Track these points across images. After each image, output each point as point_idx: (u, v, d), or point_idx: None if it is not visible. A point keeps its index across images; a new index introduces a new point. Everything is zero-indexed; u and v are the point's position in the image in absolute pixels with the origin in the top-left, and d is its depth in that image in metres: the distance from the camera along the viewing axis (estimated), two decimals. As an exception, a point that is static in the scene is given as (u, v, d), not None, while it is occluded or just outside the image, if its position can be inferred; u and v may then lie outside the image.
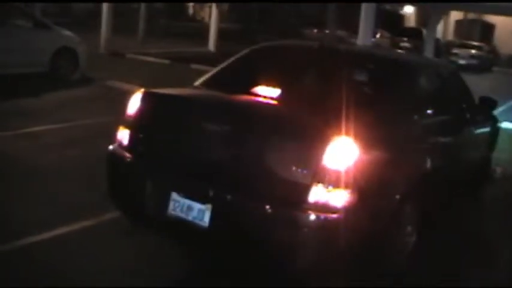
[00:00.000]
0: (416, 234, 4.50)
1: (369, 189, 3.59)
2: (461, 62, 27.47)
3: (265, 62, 5.01)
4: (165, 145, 4.13)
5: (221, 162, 3.82)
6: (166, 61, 17.39)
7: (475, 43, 31.33)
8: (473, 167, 6.36)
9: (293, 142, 3.60)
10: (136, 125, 4.16)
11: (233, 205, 3.64)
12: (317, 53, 5.03)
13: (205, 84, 4.70)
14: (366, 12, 12.42)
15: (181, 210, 3.76)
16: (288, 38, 21.53)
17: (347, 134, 3.49)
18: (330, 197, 3.42)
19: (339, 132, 3.49)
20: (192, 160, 3.93)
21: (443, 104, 5.33)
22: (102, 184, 4.35)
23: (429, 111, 4.96)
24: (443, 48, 30.52)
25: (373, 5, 12.54)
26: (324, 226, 3.43)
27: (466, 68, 24.29)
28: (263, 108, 4.16)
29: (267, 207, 3.50)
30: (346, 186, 3.42)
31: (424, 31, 26.31)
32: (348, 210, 3.43)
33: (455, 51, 29.58)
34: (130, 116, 4.19)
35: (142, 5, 24.31)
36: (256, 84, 4.33)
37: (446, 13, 31.89)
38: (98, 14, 19.88)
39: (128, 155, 4.13)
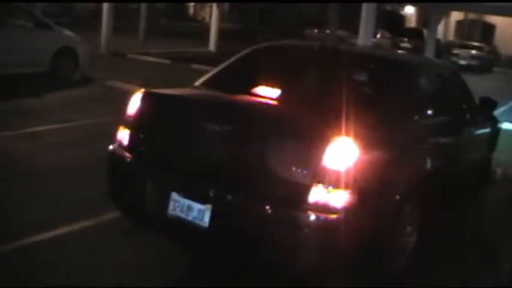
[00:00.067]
0: (416, 235, 4.50)
1: (369, 189, 3.59)
2: (462, 62, 27.46)
3: (266, 62, 5.01)
4: (165, 145, 4.13)
5: (221, 163, 3.82)
6: (167, 61, 17.39)
7: (476, 44, 31.34)
8: (473, 168, 6.36)
9: (293, 142, 3.60)
10: (136, 125, 4.16)
11: (233, 205, 3.64)
12: (318, 53, 5.03)
13: (205, 84, 4.71)
14: (367, 13, 12.41)
15: (181, 210, 3.76)
16: (288, 38, 21.56)
17: (347, 134, 3.50)
18: (330, 197, 3.42)
19: (339, 133, 3.49)
20: (192, 160, 3.94)
21: (443, 105, 5.33)
22: (102, 184, 4.35)
23: (429, 112, 4.96)
24: (443, 49, 30.52)
25: (373, 6, 12.53)
26: (323, 226, 3.43)
27: (467, 69, 24.29)
28: (263, 108, 4.16)
29: (267, 207, 3.50)
30: (346, 187, 3.42)
31: (425, 31, 26.30)
32: (347, 210, 3.43)
33: (455, 51, 29.57)
34: (130, 116, 4.19)
35: (143, 5, 24.30)
36: (257, 85, 4.33)
37: (446, 13, 31.87)
38: (99, 14, 19.87)
39: (128, 155, 4.13)
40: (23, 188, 5.52)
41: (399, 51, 20.24)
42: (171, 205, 3.80)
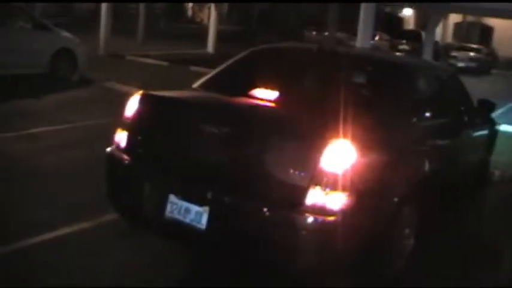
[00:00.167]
0: (414, 237, 4.50)
1: (366, 192, 3.59)
2: (460, 64, 27.48)
3: (264, 64, 5.01)
4: (163, 147, 4.13)
5: (219, 165, 3.82)
6: (165, 63, 17.40)
7: (474, 46, 31.36)
8: (471, 170, 6.36)
9: (291, 144, 3.60)
10: (134, 127, 4.16)
11: (230, 207, 3.64)
12: (316, 55, 5.04)
13: (203, 86, 4.71)
14: (365, 15, 12.44)
15: (179, 213, 3.75)
16: (287, 40, 21.58)
17: (345, 136, 3.49)
18: (328, 199, 3.42)
19: (336, 135, 3.49)
20: (189, 162, 3.94)
21: (441, 107, 5.33)
22: (101, 185, 4.35)
23: (427, 114, 4.96)
24: (442, 51, 30.56)
25: (372, 8, 12.55)
26: (321, 229, 3.43)
27: (465, 71, 24.30)
28: (261, 110, 4.16)
29: (265, 209, 3.50)
30: (344, 189, 3.42)
31: (423, 34, 26.35)
32: (345, 213, 3.43)
33: (454, 53, 29.60)
34: (128, 118, 4.19)
35: (142, 7, 24.32)
36: (255, 87, 4.33)
37: (445, 16, 31.90)
38: (98, 15, 19.87)
39: (125, 157, 4.13)
40: (22, 189, 5.52)
41: (397, 54, 20.24)
42: (169, 207, 3.79)
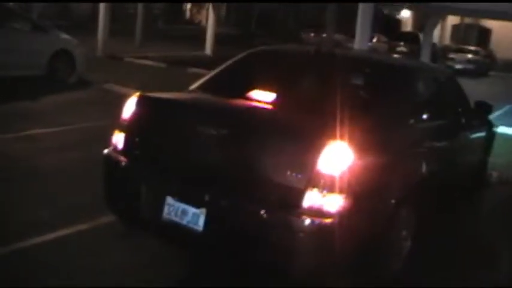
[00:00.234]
0: (411, 239, 4.50)
1: (364, 194, 3.59)
2: (458, 66, 27.51)
3: (262, 67, 5.00)
4: (160, 149, 4.13)
5: (216, 167, 3.82)
6: (163, 65, 17.40)
7: (472, 48, 31.37)
8: (469, 172, 6.36)
9: (288, 147, 3.60)
10: (131, 128, 4.16)
11: (227, 209, 3.65)
12: (313, 57, 5.04)
13: (200, 88, 4.71)
14: (363, 16, 12.44)
15: (176, 215, 3.76)
16: (285, 42, 21.59)
17: (342, 138, 3.49)
18: (325, 201, 3.42)
19: (333, 137, 3.49)
20: (186, 164, 3.94)
21: (439, 109, 5.34)
22: (99, 187, 4.34)
23: (425, 116, 4.96)
24: (439, 53, 30.53)
25: (370, 9, 12.56)
26: (318, 231, 3.43)
27: (463, 73, 24.33)
28: (258, 112, 4.16)
29: (262, 211, 3.50)
30: (341, 191, 3.42)
31: (421, 35, 26.34)
32: (342, 215, 3.43)
33: (451, 55, 29.60)
34: (125, 120, 4.19)
35: (140, 9, 24.31)
36: (252, 89, 4.33)
37: (443, 18, 31.94)
38: (96, 16, 19.87)
39: (123, 158, 4.13)
40: (21, 190, 5.53)
41: (395, 56, 20.26)
42: (166, 209, 3.79)
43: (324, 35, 25.52)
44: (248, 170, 3.69)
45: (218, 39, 23.93)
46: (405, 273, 4.38)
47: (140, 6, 24.36)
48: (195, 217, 3.69)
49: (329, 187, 3.41)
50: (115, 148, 4.21)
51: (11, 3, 13.13)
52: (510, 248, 5.56)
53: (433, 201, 4.90)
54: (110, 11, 19.19)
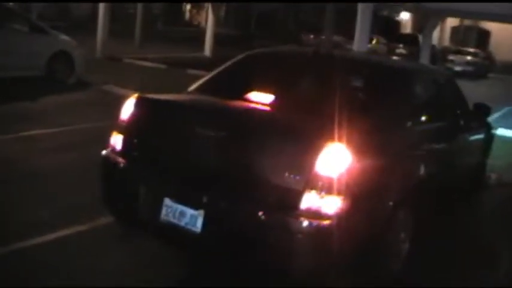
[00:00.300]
0: (410, 241, 4.50)
1: (361, 195, 3.59)
2: (457, 68, 27.56)
3: (260, 68, 5.00)
4: (158, 150, 4.13)
5: (214, 168, 3.82)
6: (163, 66, 17.40)
7: (471, 50, 31.44)
8: (467, 174, 6.36)
9: (286, 148, 3.60)
10: (129, 130, 4.16)
11: (225, 211, 3.64)
12: (312, 59, 5.04)
13: (199, 89, 4.70)
14: (362, 18, 12.48)
15: (174, 216, 3.75)
16: (285, 43, 21.60)
17: (340, 140, 3.49)
18: (323, 203, 3.41)
19: (332, 139, 3.49)
20: (185, 165, 3.94)
21: (437, 111, 5.34)
22: (98, 188, 4.34)
23: (423, 118, 4.96)
24: (439, 55, 30.58)
25: (369, 11, 12.59)
26: (316, 232, 3.43)
27: (462, 75, 24.36)
28: (256, 114, 4.16)
29: (260, 213, 3.50)
30: (339, 193, 3.42)
31: (420, 37, 26.38)
32: (340, 216, 3.42)
33: (451, 57, 29.66)
34: (123, 121, 4.19)
35: (139, 10, 24.32)
36: (250, 90, 4.33)
37: (442, 19, 31.97)
38: (95, 17, 19.87)
39: (121, 160, 4.13)
40: (20, 190, 5.53)
41: (394, 57, 20.26)
42: (164, 210, 3.79)
43: (323, 37, 25.55)
44: (246, 172, 3.68)
45: (217, 40, 23.94)
46: (405, 274, 4.38)
47: (140, 6, 24.36)
48: (193, 219, 3.68)
49: (327, 189, 3.41)
50: (113, 149, 4.21)
51: (10, 3, 13.12)
52: (509, 249, 5.56)
53: (431, 203, 4.90)
54: (110, 11, 19.17)
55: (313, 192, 3.42)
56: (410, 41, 30.50)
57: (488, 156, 7.22)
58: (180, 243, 3.93)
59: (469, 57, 29.46)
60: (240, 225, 3.60)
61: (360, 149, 3.59)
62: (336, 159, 3.44)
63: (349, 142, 3.50)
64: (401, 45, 30.66)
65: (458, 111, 5.90)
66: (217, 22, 26.09)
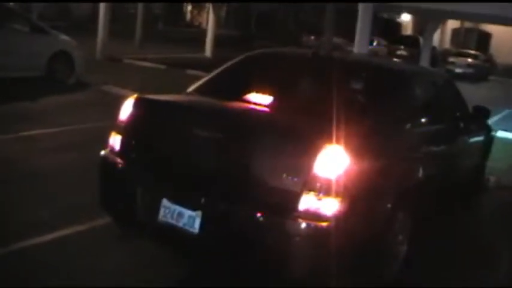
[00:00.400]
0: (408, 243, 4.50)
1: (360, 197, 3.59)
2: (458, 70, 27.56)
3: (259, 69, 5.02)
4: (156, 151, 4.13)
5: (212, 169, 3.82)
6: (163, 66, 17.40)
7: (472, 52, 31.45)
8: (466, 176, 6.36)
9: (285, 150, 3.60)
10: (128, 130, 4.16)
11: (223, 212, 3.64)
12: (311, 61, 5.05)
13: (198, 90, 4.71)
14: (363, 20, 12.47)
15: (172, 217, 3.75)
16: (285, 44, 21.60)
17: (338, 142, 3.49)
18: (321, 205, 3.41)
19: (330, 141, 3.49)
20: (183, 166, 3.94)
21: (436, 113, 5.34)
22: (97, 188, 4.34)
23: (422, 120, 4.96)
24: (439, 57, 30.62)
25: (369, 13, 12.59)
26: (314, 234, 3.43)
27: (463, 77, 24.37)
28: (255, 115, 4.16)
29: (258, 214, 3.50)
30: (337, 195, 3.42)
31: (421, 39, 26.38)
32: (338, 218, 3.43)
33: (451, 59, 29.66)
34: (122, 122, 4.19)
35: (140, 10, 24.33)
36: (249, 91, 4.34)
37: (443, 21, 31.98)
38: (96, 17, 19.88)
39: (119, 160, 4.13)
40: (20, 190, 5.53)
41: (393, 59, 20.28)
42: (162, 211, 3.79)
43: (323, 38, 25.55)
44: (244, 173, 3.69)
45: (218, 41, 23.95)
46: (405, 274, 4.38)
47: (140, 6, 24.36)
48: (191, 219, 3.68)
49: (325, 190, 3.41)
50: (112, 150, 4.21)
51: (11, 3, 13.13)
52: (509, 250, 5.56)
53: (430, 205, 4.90)
54: (110, 11, 19.16)
55: (312, 193, 3.42)
56: (411, 43, 30.51)
57: (487, 159, 7.21)
58: (178, 244, 3.93)
59: (469, 60, 29.47)
60: (237, 227, 3.60)
61: (358, 151, 3.59)
62: (334, 160, 3.45)
63: (348, 144, 3.50)
64: (402, 47, 30.67)
65: (457, 114, 5.90)
66: (218, 23, 26.09)
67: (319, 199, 3.41)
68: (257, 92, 4.33)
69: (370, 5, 12.95)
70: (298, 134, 3.72)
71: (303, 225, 3.41)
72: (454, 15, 23.16)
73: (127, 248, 4.58)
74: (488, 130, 7.00)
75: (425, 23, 21.52)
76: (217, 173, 3.80)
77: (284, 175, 3.53)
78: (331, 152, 3.46)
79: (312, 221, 3.41)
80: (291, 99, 4.46)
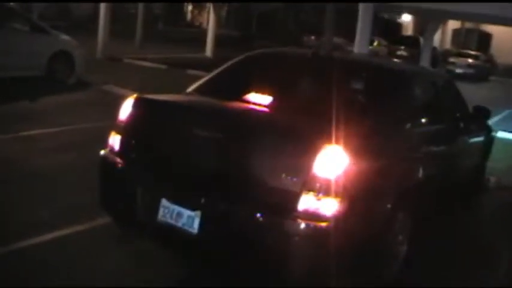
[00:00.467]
0: (408, 243, 4.49)
1: (359, 197, 3.59)
2: (458, 71, 27.56)
3: (259, 69, 5.01)
4: (156, 151, 4.13)
5: (211, 169, 3.82)
6: (163, 66, 17.40)
7: (472, 52, 31.44)
8: (466, 176, 6.36)
9: (284, 150, 3.60)
10: (127, 130, 4.16)
11: (223, 212, 3.64)
12: (310, 61, 5.05)
13: (198, 90, 4.70)
14: (363, 20, 12.47)
15: (171, 217, 3.75)
16: (286, 44, 21.59)
17: (338, 142, 3.49)
18: (320, 205, 3.41)
19: (329, 141, 3.49)
20: (182, 166, 3.94)
21: (436, 113, 5.33)
22: (96, 188, 4.34)
23: (422, 120, 4.96)
24: (440, 57, 30.61)
25: (370, 13, 12.59)
26: (313, 234, 3.43)
27: (463, 77, 24.37)
28: (254, 115, 4.16)
29: (257, 215, 3.50)
30: (336, 195, 3.42)
31: (421, 39, 26.38)
32: (337, 218, 3.42)
33: (452, 60, 29.67)
34: (122, 122, 4.19)
35: (140, 10, 24.33)
36: (249, 91, 4.33)
37: (443, 22, 31.97)
38: (96, 17, 19.87)
39: (119, 160, 4.13)
40: (19, 190, 5.52)
41: (393, 60, 20.28)
42: (161, 211, 3.79)
43: (324, 38, 25.54)
44: (244, 173, 3.69)
45: (218, 41, 23.95)
46: (405, 274, 4.38)
47: (141, 6, 24.36)
48: (190, 219, 3.68)
49: (324, 190, 3.41)
50: (111, 149, 4.21)
51: (12, 3, 13.13)
52: (509, 250, 5.56)
53: (430, 205, 4.90)
54: (111, 11, 19.16)
55: (311, 194, 3.42)
56: (412, 43, 30.51)
57: (487, 159, 7.21)
58: (177, 244, 3.93)
59: (470, 60, 29.47)
60: (237, 227, 3.60)
61: (357, 151, 3.59)
62: (334, 161, 3.44)
63: (347, 144, 3.50)
64: (402, 47, 30.67)
65: (457, 114, 5.90)
66: (219, 23, 26.09)
67: (319, 199, 3.41)
68: (257, 92, 4.33)
69: (370, 5, 12.96)
70: (297, 134, 3.72)
71: (302, 225, 3.41)
72: (454, 16, 23.15)
73: (127, 248, 4.58)
74: (488, 130, 7.00)
75: (426, 23, 21.53)
76: (216, 173, 3.79)
77: (283, 175, 3.53)
78: (330, 152, 3.45)
79: (311, 221, 3.40)
80: (290, 99, 4.46)
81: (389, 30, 35.70)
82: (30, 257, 4.26)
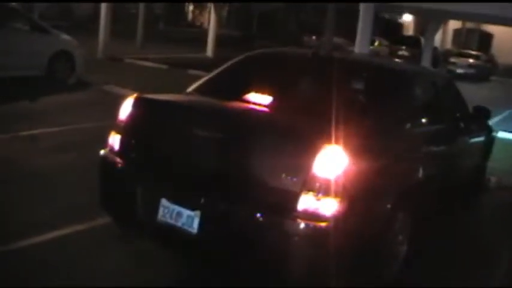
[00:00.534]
0: (408, 243, 4.49)
1: (359, 197, 3.59)
2: (459, 71, 27.55)
3: (259, 69, 5.01)
4: (155, 151, 4.13)
5: (211, 169, 3.82)
6: (164, 66, 17.40)
7: (473, 52, 31.42)
8: (467, 177, 6.36)
9: (284, 150, 3.60)
10: (127, 130, 4.16)
11: (222, 212, 3.64)
12: (311, 61, 5.04)
13: (198, 90, 4.70)
14: (364, 20, 12.46)
15: (171, 217, 3.75)
16: (286, 44, 21.60)
17: (337, 142, 3.48)
18: (320, 205, 3.41)
19: (329, 141, 3.48)
20: (182, 166, 3.94)
21: (437, 113, 5.33)
22: (96, 187, 4.34)
23: (422, 120, 4.96)
24: (441, 57, 30.59)
25: (371, 13, 12.58)
26: (313, 234, 3.42)
27: (464, 77, 24.36)
28: (254, 115, 4.16)
29: (257, 215, 3.50)
30: (336, 195, 3.41)
31: (422, 40, 26.37)
32: (337, 218, 3.42)
33: (453, 60, 29.66)
34: (122, 121, 4.19)
35: (141, 10, 24.33)
36: (249, 91, 4.33)
37: (444, 22, 31.95)
38: (97, 17, 19.87)
39: (119, 160, 4.13)
40: (20, 190, 5.53)
41: (394, 60, 20.27)
42: (161, 211, 3.79)
43: (324, 39, 25.54)
44: (243, 173, 3.69)
45: (219, 41, 23.95)
46: (405, 274, 4.38)
47: (142, 6, 24.36)
48: (189, 219, 3.68)
49: (324, 190, 3.41)
50: (111, 149, 4.21)
51: (13, 3, 13.14)
52: (509, 250, 5.56)
53: (430, 205, 4.89)
54: (112, 11, 19.16)
55: (311, 194, 3.42)
56: (412, 43, 30.50)
57: (488, 159, 7.21)
58: (177, 243, 3.93)
59: (471, 60, 29.46)
60: (236, 226, 3.60)
61: (357, 151, 3.59)
62: (333, 161, 3.44)
63: (347, 144, 3.50)
64: (403, 47, 30.67)
65: (457, 114, 5.89)
66: (219, 23, 26.09)
67: (318, 199, 3.41)
68: (257, 92, 4.33)
69: (371, 5, 12.95)
70: (297, 134, 3.72)
71: (302, 225, 3.41)
72: (455, 16, 23.14)
73: (127, 248, 4.58)
74: (489, 131, 6.99)
75: (427, 23, 21.51)
76: (216, 173, 3.79)
77: (283, 175, 3.53)
78: (330, 152, 3.45)
79: (310, 221, 3.40)
80: (290, 99, 4.46)
81: (390, 30, 35.69)
82: (30, 257, 4.27)
